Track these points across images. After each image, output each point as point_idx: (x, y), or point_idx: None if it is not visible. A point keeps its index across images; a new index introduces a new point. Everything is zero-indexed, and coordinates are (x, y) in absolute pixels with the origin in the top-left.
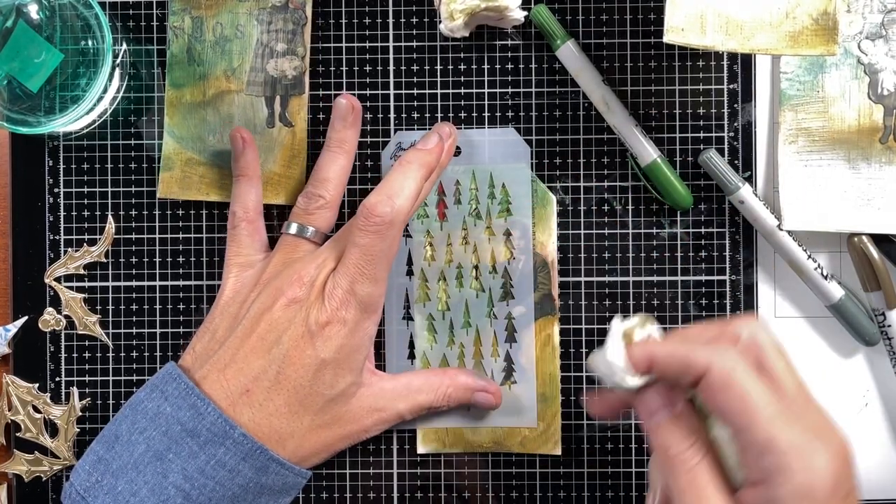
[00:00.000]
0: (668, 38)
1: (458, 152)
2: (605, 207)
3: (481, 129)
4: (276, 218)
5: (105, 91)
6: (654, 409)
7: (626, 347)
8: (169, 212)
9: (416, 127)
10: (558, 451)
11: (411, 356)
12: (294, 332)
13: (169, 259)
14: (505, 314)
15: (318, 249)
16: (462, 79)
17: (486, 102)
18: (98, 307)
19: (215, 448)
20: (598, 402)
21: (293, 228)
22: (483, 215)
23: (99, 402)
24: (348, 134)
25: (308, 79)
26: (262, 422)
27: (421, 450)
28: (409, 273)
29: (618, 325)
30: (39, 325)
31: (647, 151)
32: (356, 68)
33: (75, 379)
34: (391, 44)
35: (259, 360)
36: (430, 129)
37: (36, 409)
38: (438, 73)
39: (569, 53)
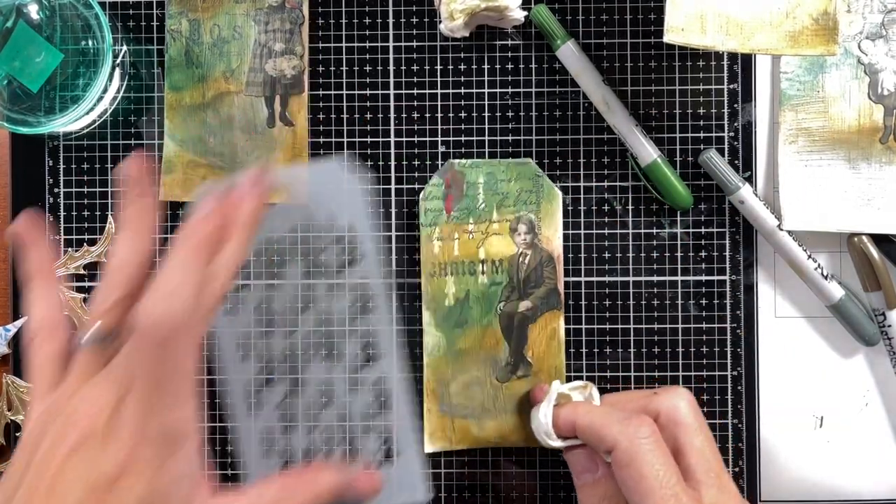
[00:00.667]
0: (668, 38)
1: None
2: (605, 207)
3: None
4: None
5: (105, 91)
6: (579, 471)
7: (555, 410)
8: (169, 212)
9: (415, 126)
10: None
11: (268, 452)
12: (86, 483)
13: None
14: (370, 381)
15: (103, 371)
16: (462, 79)
17: (486, 102)
18: None
19: None
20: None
21: (86, 338)
22: (324, 268)
23: None
24: (138, 212)
25: (307, 77)
26: None
27: (428, 449)
28: (244, 357)
29: (556, 387)
30: None
31: (647, 151)
32: (356, 68)
33: None
34: (391, 44)
35: None
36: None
37: None
38: (438, 73)
39: (569, 53)
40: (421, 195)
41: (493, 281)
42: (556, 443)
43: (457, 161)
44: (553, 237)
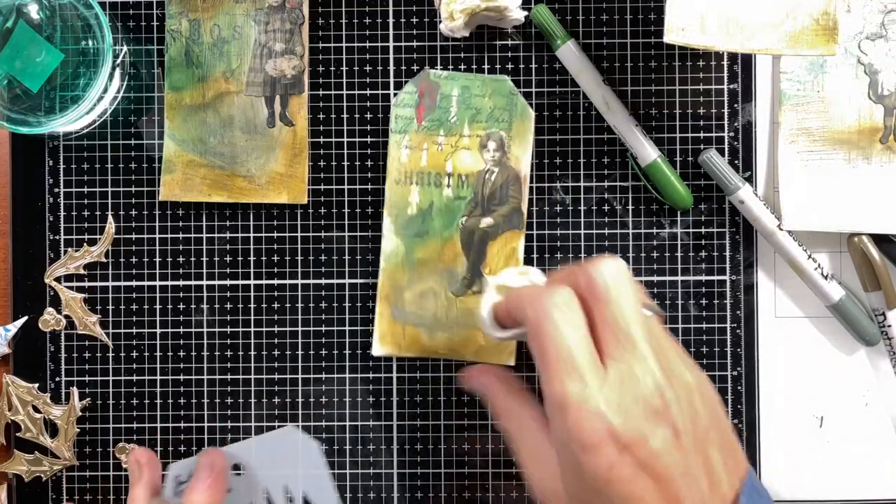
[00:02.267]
0: (668, 38)
1: None
2: (605, 207)
3: None
4: (276, 218)
5: (105, 91)
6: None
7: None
8: (169, 212)
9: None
10: (512, 362)
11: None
12: None
13: (169, 259)
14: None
15: None
16: None
17: None
18: (98, 307)
19: None
20: (466, 377)
21: None
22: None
23: (99, 402)
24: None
25: (307, 78)
26: None
27: (377, 352)
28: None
29: (492, 280)
30: (39, 325)
31: (647, 151)
32: (356, 68)
33: (75, 379)
34: (391, 44)
35: None
36: None
37: (36, 409)
38: None
39: (569, 53)
40: (393, 101)
41: (457, 195)
42: (500, 333)
43: (432, 71)
44: (522, 157)
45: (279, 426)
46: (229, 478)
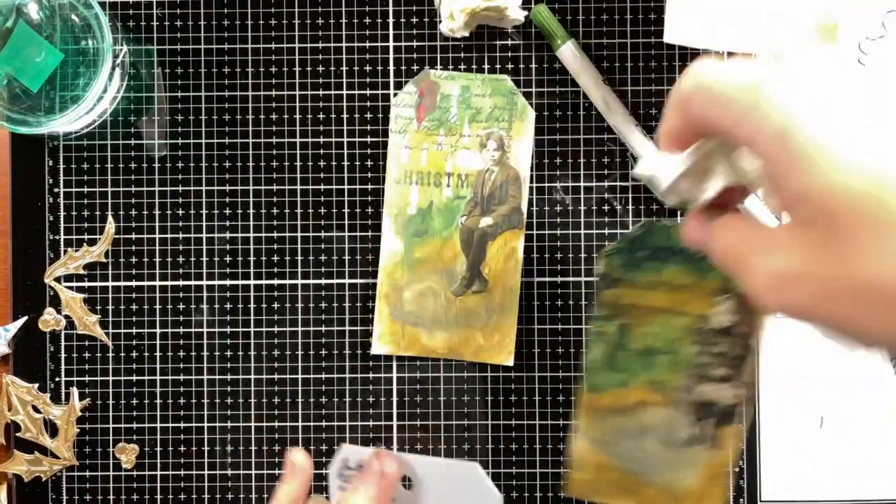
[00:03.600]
0: (668, 38)
1: None
2: (605, 207)
3: None
4: (275, 218)
5: (105, 91)
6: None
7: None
8: (169, 212)
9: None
10: (510, 362)
11: None
12: None
13: (169, 259)
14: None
15: None
16: None
17: None
18: (98, 307)
19: None
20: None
21: None
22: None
23: (99, 402)
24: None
25: (742, 409)
26: None
27: (376, 351)
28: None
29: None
30: (39, 325)
31: (647, 151)
32: (356, 68)
33: (75, 379)
34: (391, 44)
35: None
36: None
37: (36, 409)
38: None
39: (569, 53)
40: (393, 101)
41: (457, 194)
42: (680, 157)
43: (433, 71)
44: (522, 156)
45: (398, 450)
46: (397, 488)
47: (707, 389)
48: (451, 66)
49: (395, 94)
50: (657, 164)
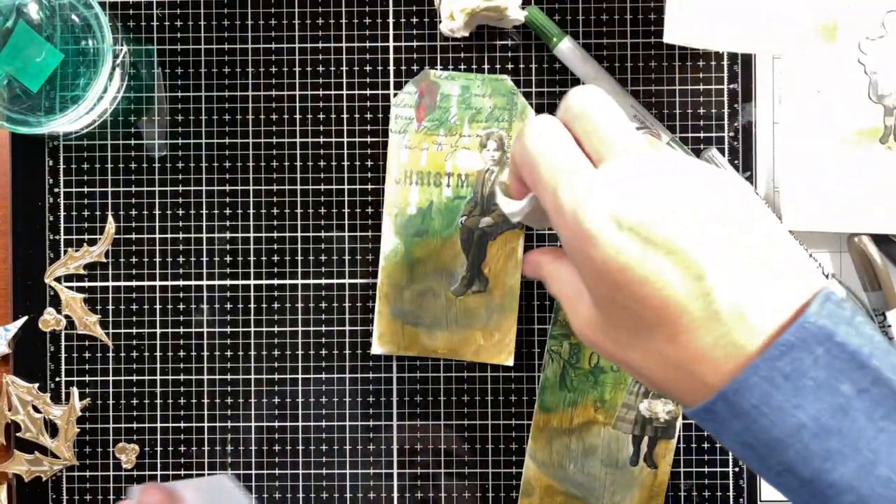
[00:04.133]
0: (668, 38)
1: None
2: None
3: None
4: (276, 218)
5: (105, 91)
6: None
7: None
8: (169, 212)
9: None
10: (510, 362)
11: None
12: None
13: (169, 259)
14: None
15: None
16: None
17: None
18: (98, 307)
19: None
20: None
21: None
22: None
23: (99, 402)
24: None
25: (680, 423)
26: None
27: (376, 351)
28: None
29: (500, 181)
30: (39, 325)
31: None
32: (356, 68)
33: (75, 379)
34: (391, 44)
35: None
36: None
37: (36, 409)
38: None
39: (567, 50)
40: (393, 101)
41: (457, 195)
42: (519, 204)
43: (433, 71)
44: None
45: (214, 473)
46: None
47: (645, 406)
48: (451, 66)
49: (395, 95)
50: (507, 202)
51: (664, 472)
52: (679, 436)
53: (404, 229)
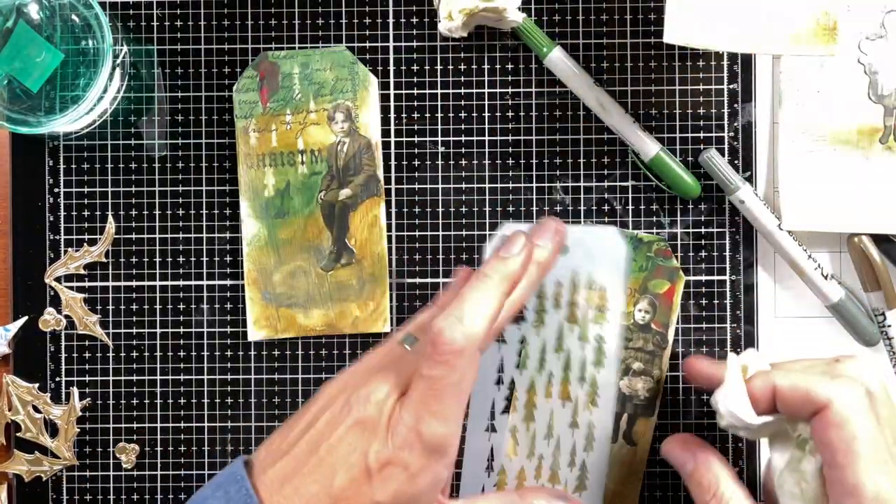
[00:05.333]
0: (668, 38)
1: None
2: (605, 207)
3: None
4: None
5: (105, 91)
6: (680, 463)
7: (746, 382)
8: (169, 212)
9: (415, 126)
10: (387, 329)
11: (489, 468)
12: (353, 464)
13: (169, 259)
14: (587, 422)
15: (395, 362)
16: (462, 79)
17: (486, 102)
18: (98, 307)
19: None
20: (694, 365)
21: (402, 337)
22: (579, 319)
23: (99, 402)
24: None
25: (659, 400)
26: None
27: (252, 338)
28: (499, 382)
29: (734, 360)
30: (39, 325)
31: (648, 147)
32: None
33: (75, 379)
34: (391, 44)
35: (314, 486)
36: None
37: (36, 409)
38: (438, 74)
39: (557, 60)
40: (234, 88)
41: (312, 170)
42: (757, 420)
43: (270, 52)
44: (371, 124)
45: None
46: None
47: (625, 382)
48: (451, 66)
49: (236, 81)
50: (741, 408)
51: (643, 449)
52: (657, 413)
53: (264, 212)
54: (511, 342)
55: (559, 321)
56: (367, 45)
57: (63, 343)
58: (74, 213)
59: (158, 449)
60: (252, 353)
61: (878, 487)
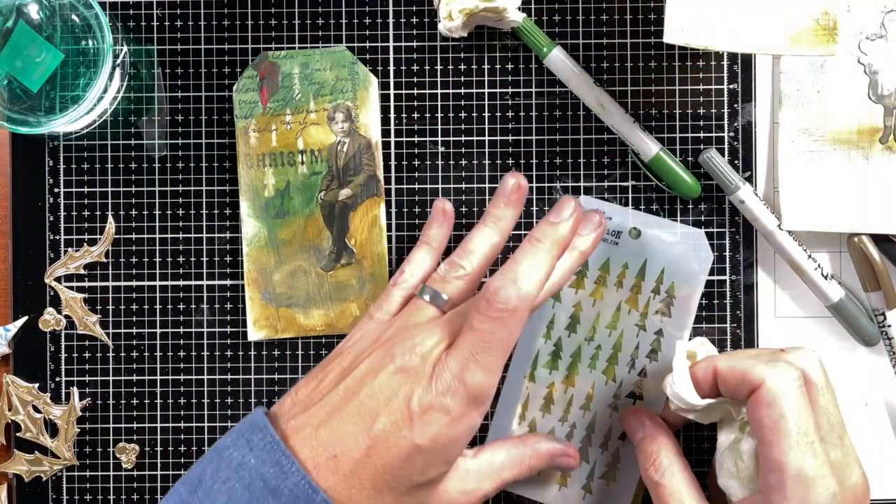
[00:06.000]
0: (668, 38)
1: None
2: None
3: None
4: None
5: (105, 91)
6: (631, 432)
7: (691, 367)
8: (169, 212)
9: (415, 126)
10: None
11: (521, 417)
12: (394, 407)
13: (169, 259)
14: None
15: (439, 319)
16: (462, 79)
17: (485, 102)
18: (98, 307)
19: None
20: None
21: (424, 292)
22: (640, 306)
23: (99, 402)
24: (508, 213)
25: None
26: (342, 492)
27: (252, 338)
28: (547, 336)
29: (681, 346)
30: (39, 325)
31: (648, 147)
32: None
33: (75, 379)
34: (391, 44)
35: (353, 428)
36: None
37: (36, 409)
38: (438, 74)
39: (557, 60)
40: (234, 88)
41: (312, 170)
42: (700, 402)
43: (270, 52)
44: (370, 124)
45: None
46: None
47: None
48: (450, 66)
49: (236, 82)
50: (685, 391)
51: None
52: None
53: (264, 212)
54: (566, 304)
55: (619, 300)
56: (367, 45)
57: (63, 343)
58: (74, 213)
59: (158, 449)
60: (252, 353)
61: (801, 466)
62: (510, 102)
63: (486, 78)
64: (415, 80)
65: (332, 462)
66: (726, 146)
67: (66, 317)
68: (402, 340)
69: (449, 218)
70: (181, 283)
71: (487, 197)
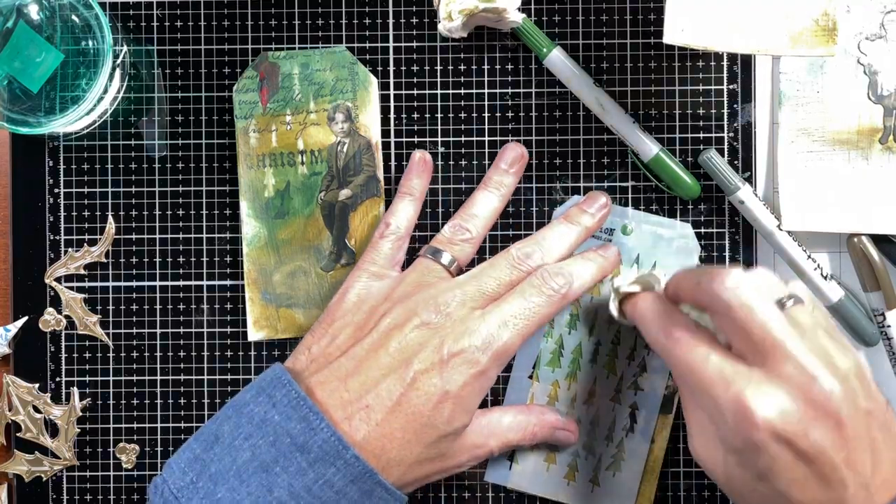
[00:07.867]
0: (668, 38)
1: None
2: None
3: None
4: None
5: (105, 91)
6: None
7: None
8: (169, 212)
9: (415, 126)
10: None
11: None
12: (426, 356)
13: (169, 259)
14: (630, 402)
15: (455, 279)
16: (462, 79)
17: (485, 103)
18: (98, 307)
19: (325, 467)
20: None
21: (432, 253)
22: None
23: (99, 402)
24: (508, 179)
25: (677, 398)
26: (374, 442)
27: (252, 338)
28: (548, 335)
29: (607, 283)
30: (39, 326)
31: (648, 147)
32: None
33: (75, 379)
34: (391, 44)
35: (385, 376)
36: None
37: (36, 410)
38: (438, 74)
39: (557, 61)
40: (234, 88)
41: (312, 171)
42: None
43: (270, 52)
44: (370, 124)
45: None
46: None
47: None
48: (450, 67)
49: (236, 82)
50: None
51: (660, 447)
52: (675, 411)
53: (264, 213)
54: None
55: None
56: (367, 45)
57: (63, 343)
58: (74, 214)
59: (158, 449)
60: (252, 353)
61: (738, 391)
62: (510, 103)
63: (485, 78)
64: (415, 80)
65: (365, 412)
66: (726, 146)
67: (67, 317)
68: (424, 299)
69: (429, 167)
70: (181, 283)
71: None
